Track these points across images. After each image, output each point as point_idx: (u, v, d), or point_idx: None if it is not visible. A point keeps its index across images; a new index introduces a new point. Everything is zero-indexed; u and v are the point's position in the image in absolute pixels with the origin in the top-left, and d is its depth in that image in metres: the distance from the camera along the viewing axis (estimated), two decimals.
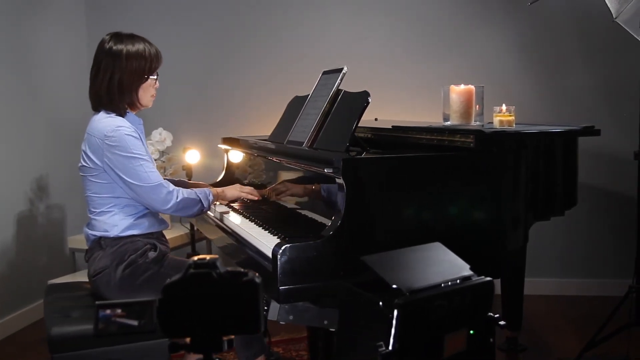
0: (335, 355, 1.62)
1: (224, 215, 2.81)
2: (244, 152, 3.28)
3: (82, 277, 3.64)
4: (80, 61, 4.65)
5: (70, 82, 4.55)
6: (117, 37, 2.52)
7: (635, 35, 3.14)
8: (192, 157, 4.03)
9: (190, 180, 3.98)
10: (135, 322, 1.00)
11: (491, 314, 1.45)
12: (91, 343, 2.33)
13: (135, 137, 2.46)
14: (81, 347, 2.32)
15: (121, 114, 2.53)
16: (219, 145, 3.53)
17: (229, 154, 3.47)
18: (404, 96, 4.31)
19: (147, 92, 2.58)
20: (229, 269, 1.01)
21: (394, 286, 1.39)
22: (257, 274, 1.01)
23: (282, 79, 4.47)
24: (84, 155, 2.52)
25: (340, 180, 2.08)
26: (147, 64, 2.53)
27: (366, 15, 4.47)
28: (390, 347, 1.29)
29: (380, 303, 1.37)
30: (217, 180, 3.44)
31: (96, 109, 2.56)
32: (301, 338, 3.66)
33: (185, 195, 2.51)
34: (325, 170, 2.15)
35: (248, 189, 2.80)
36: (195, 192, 2.56)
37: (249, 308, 1.00)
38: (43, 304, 3.01)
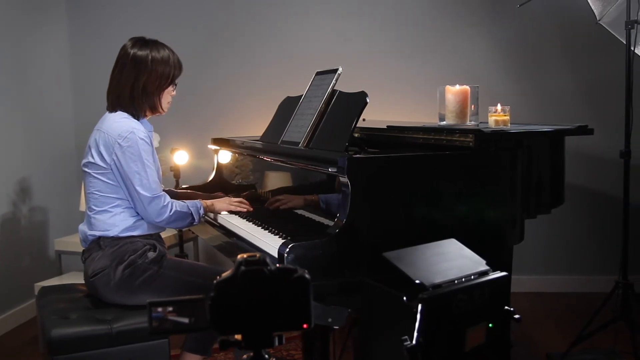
0: (360, 349, 1.64)
1: (220, 215, 2.82)
2: (236, 152, 3.28)
3: (69, 279, 3.62)
4: (62, 64, 4.61)
5: (52, 85, 4.51)
6: (142, 41, 2.58)
7: (618, 37, 3.22)
8: (181, 158, 4.02)
9: (178, 182, 3.98)
10: (186, 320, 1.01)
11: (507, 307, 1.49)
12: (92, 345, 2.33)
13: (147, 143, 2.50)
14: (82, 348, 2.32)
15: (138, 116, 2.57)
16: (209, 146, 3.53)
17: (218, 154, 3.46)
18: (390, 97, 4.35)
19: (166, 98, 2.64)
20: (279, 265, 1.02)
21: (417, 281, 1.42)
22: (306, 270, 1.02)
23: (270, 80, 4.48)
24: (92, 152, 2.51)
25: (345, 179, 2.11)
26: (172, 70, 2.60)
27: (353, 17, 4.50)
28: (414, 341, 1.32)
29: (405, 298, 1.40)
30: (208, 180, 3.44)
31: (114, 109, 2.58)
32: (291, 337, 3.67)
33: (178, 209, 2.55)
34: (330, 170, 2.17)
35: (237, 201, 2.82)
36: (187, 206, 2.59)
37: (300, 304, 1.01)
38: (36, 307, 2.99)
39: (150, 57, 2.53)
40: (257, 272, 1.00)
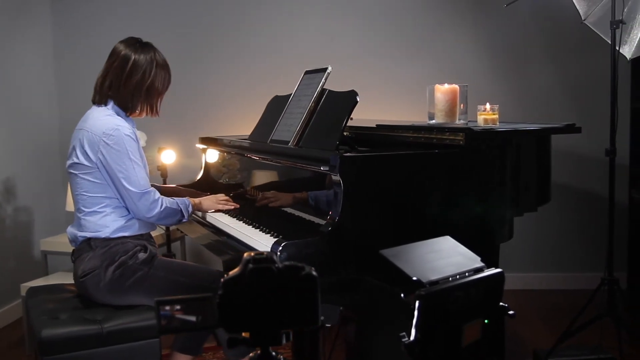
0: (354, 346, 1.65)
1: (210, 214, 2.81)
2: (225, 151, 3.27)
3: (56, 279, 3.58)
4: (46, 62, 4.57)
5: (36, 84, 4.47)
6: (143, 43, 2.61)
7: (603, 36, 3.25)
8: (168, 157, 4.00)
9: (165, 181, 3.96)
10: (193, 318, 1.02)
11: (502, 303, 1.51)
12: (82, 345, 2.31)
13: (133, 139, 2.48)
14: (72, 349, 2.30)
15: (127, 113, 2.58)
16: (197, 145, 3.52)
17: (206, 153, 3.46)
18: (377, 96, 4.36)
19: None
20: (287, 263, 1.03)
21: (414, 278, 1.43)
22: (312, 267, 1.03)
23: (258, 79, 4.47)
24: (77, 152, 2.49)
25: (337, 178, 2.12)
26: (169, 77, 2.66)
27: (341, 16, 4.50)
28: (412, 337, 1.33)
29: (402, 295, 1.41)
30: (196, 180, 3.43)
31: (103, 102, 2.56)
32: None
33: (168, 205, 2.55)
34: (322, 168, 2.18)
35: (223, 200, 2.83)
36: (177, 203, 2.60)
37: (308, 301, 1.02)
38: (24, 308, 2.96)
39: (156, 59, 2.58)
40: (265, 269, 1.01)
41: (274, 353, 1.05)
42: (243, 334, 1.04)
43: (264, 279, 1.01)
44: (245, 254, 1.04)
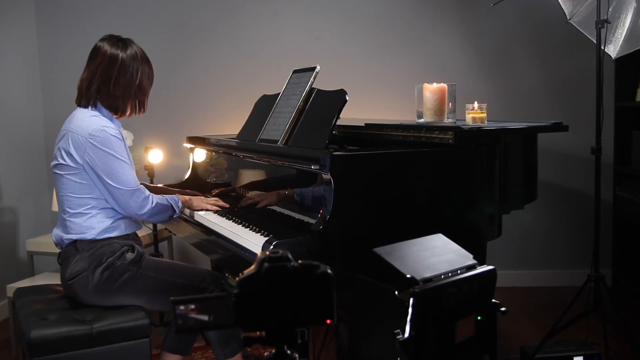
0: (346, 344, 1.65)
1: (198, 212, 2.81)
2: (213, 151, 3.27)
3: (42, 280, 3.56)
4: (31, 62, 4.54)
5: (21, 83, 4.43)
6: (125, 40, 2.56)
7: (588, 36, 3.28)
8: (155, 156, 3.98)
9: (152, 181, 3.95)
10: (208, 318, 1.02)
11: (494, 300, 1.52)
12: (72, 345, 2.30)
13: (119, 139, 2.46)
14: (62, 349, 2.29)
15: (117, 115, 2.56)
16: (185, 144, 3.51)
17: (194, 153, 3.45)
18: (364, 95, 4.36)
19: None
20: (302, 261, 1.04)
21: (408, 275, 1.44)
22: (328, 266, 1.04)
23: (245, 78, 4.46)
24: (62, 153, 2.46)
25: (327, 176, 2.12)
26: (152, 71, 2.63)
27: (327, 14, 4.50)
28: (407, 334, 1.34)
29: (396, 292, 1.42)
30: (184, 179, 3.42)
31: (89, 105, 2.52)
32: None
33: (159, 201, 2.54)
34: (312, 167, 2.19)
35: (212, 201, 2.83)
36: (167, 199, 2.59)
37: (324, 299, 1.03)
38: (11, 309, 2.93)
39: (139, 57, 2.55)
40: (281, 268, 1.01)
41: (288, 352, 1.06)
42: (258, 333, 1.04)
43: (280, 277, 1.02)
44: (259, 253, 1.04)
